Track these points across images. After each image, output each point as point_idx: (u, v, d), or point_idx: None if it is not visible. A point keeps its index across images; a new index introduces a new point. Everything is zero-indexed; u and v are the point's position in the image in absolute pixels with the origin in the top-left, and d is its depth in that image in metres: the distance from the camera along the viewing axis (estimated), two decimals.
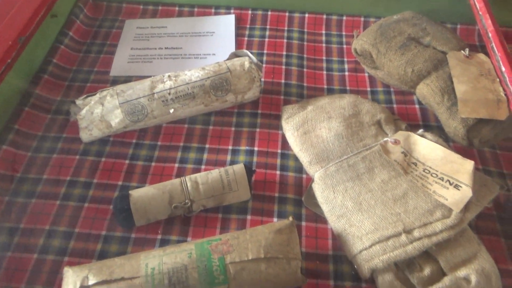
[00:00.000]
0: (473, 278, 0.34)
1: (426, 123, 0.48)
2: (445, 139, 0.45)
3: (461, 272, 0.35)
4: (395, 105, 0.50)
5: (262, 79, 0.52)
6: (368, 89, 0.52)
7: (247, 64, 0.47)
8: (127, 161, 0.45)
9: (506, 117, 0.42)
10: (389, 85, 0.52)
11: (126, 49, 0.57)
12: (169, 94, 0.45)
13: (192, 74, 0.47)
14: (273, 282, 0.33)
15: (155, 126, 0.48)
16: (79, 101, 0.46)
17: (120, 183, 0.43)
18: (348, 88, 0.53)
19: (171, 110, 0.46)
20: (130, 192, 0.40)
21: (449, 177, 0.39)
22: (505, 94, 0.43)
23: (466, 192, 0.37)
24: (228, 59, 0.49)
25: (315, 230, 0.40)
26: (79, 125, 0.45)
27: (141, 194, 0.39)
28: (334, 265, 0.38)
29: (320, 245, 0.39)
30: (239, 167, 0.41)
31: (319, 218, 0.41)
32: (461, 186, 0.37)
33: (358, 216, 0.38)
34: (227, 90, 0.47)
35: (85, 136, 0.46)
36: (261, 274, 0.33)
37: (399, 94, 0.52)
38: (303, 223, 0.41)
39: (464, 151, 0.44)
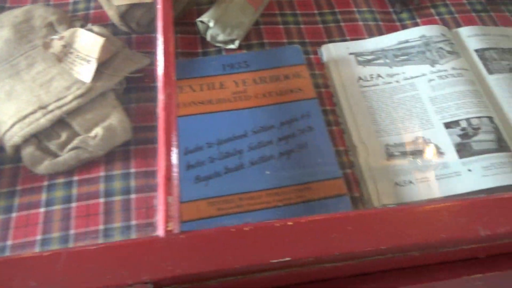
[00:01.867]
0: (100, 133, 0.40)
1: None
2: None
3: (92, 132, 0.40)
4: None
5: None
6: None
7: None
8: None
9: None
10: None
11: None
12: None
13: None
14: None
15: None
16: None
17: None
18: None
19: None
20: None
21: (87, 56, 0.43)
22: None
23: (92, 64, 0.42)
24: None
25: None
26: None
27: None
28: None
29: None
30: None
31: None
32: (91, 60, 0.42)
33: (7, 105, 0.41)
34: None
35: None
36: None
37: None
38: None
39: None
